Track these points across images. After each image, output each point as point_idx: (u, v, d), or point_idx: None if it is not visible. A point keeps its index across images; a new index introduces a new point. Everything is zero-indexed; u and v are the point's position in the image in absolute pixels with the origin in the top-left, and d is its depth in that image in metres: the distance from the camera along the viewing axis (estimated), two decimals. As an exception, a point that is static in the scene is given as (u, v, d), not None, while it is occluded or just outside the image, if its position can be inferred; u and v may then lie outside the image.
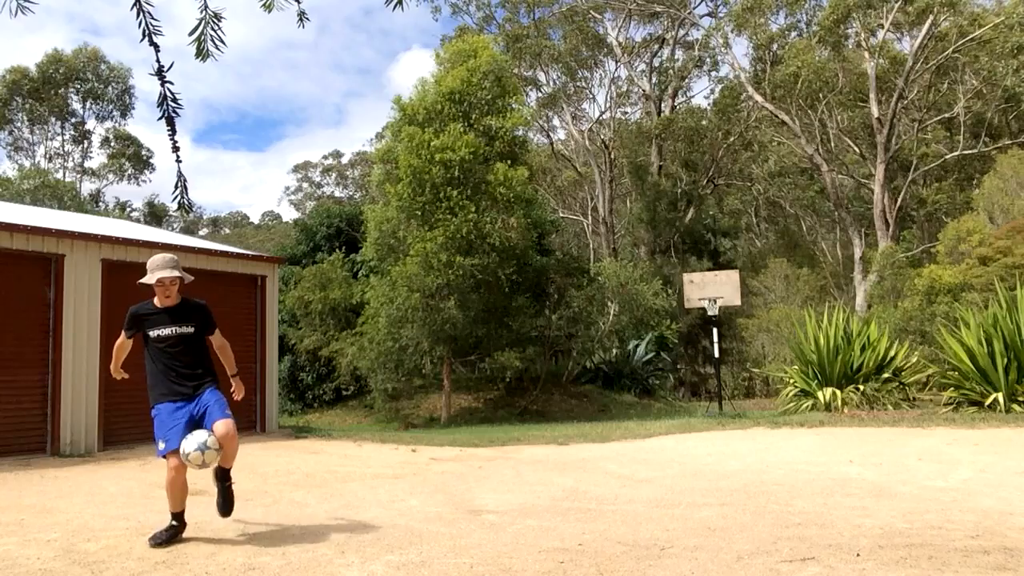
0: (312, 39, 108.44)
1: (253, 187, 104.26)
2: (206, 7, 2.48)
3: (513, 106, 16.69)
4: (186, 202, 2.61)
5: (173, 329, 4.52)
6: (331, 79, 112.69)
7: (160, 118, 2.44)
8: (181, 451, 4.26)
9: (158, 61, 2.39)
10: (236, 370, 4.95)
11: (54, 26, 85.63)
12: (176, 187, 2.59)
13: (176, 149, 2.52)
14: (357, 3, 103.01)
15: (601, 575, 3.65)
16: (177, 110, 2.44)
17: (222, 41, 2.50)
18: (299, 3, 2.72)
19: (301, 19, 2.78)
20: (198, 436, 4.31)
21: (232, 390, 4.85)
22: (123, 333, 4.65)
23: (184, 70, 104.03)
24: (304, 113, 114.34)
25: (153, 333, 4.51)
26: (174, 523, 4.47)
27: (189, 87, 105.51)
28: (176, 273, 4.48)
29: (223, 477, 4.58)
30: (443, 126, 15.61)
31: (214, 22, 2.49)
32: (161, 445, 4.39)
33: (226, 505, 4.57)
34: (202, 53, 2.49)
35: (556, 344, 17.59)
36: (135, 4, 2.34)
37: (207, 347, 4.72)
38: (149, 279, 4.49)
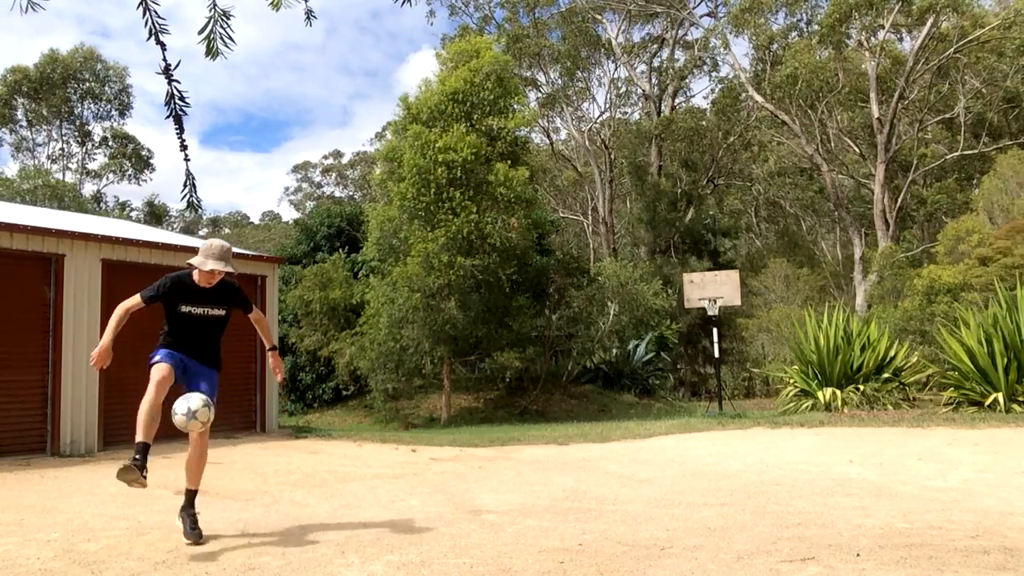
0: (319, 42, 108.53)
1: (258, 187, 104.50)
2: (215, 5, 2.48)
3: (515, 107, 16.69)
4: (195, 200, 2.61)
5: (206, 310, 4.58)
6: (338, 81, 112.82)
7: (168, 116, 2.44)
8: (173, 411, 4.22)
9: (165, 59, 2.39)
10: (275, 343, 4.96)
11: (64, 28, 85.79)
12: (185, 185, 2.58)
13: (184, 147, 2.52)
14: (365, 7, 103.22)
15: (601, 575, 3.65)
16: (184, 108, 2.44)
17: (231, 39, 2.50)
18: (306, 2, 2.72)
19: (308, 17, 2.79)
20: (192, 399, 4.25)
21: (272, 368, 4.86)
22: (143, 296, 4.43)
23: (192, 72, 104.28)
24: (310, 115, 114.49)
25: (185, 308, 4.51)
26: (137, 457, 4.13)
27: (196, 89, 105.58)
28: (230, 268, 4.50)
29: (189, 503, 4.49)
30: (447, 126, 15.62)
31: (223, 20, 2.49)
32: (156, 358, 4.40)
33: (195, 531, 4.41)
34: (212, 52, 2.49)
35: (556, 344, 17.59)
36: (141, 2, 2.34)
37: (222, 334, 4.76)
38: (203, 265, 4.44)
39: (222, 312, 4.65)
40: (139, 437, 4.22)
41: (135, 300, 4.47)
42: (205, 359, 4.63)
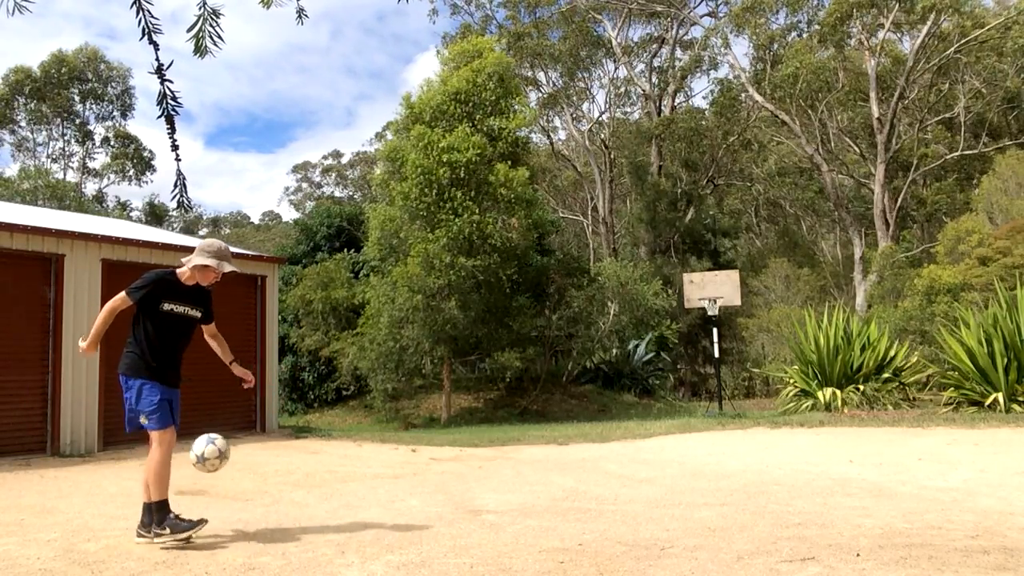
0: (324, 43, 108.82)
1: (261, 187, 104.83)
2: (204, 4, 2.47)
3: (516, 107, 16.69)
4: (185, 200, 2.61)
5: (186, 309, 4.56)
6: (342, 82, 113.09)
7: (160, 116, 2.44)
8: (194, 452, 4.40)
9: (157, 59, 2.39)
10: (233, 357, 4.96)
11: (71, 31, 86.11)
12: (175, 185, 2.58)
13: (175, 148, 2.51)
14: (370, 9, 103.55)
15: (601, 575, 3.65)
16: (176, 108, 2.43)
17: (220, 38, 2.49)
18: (298, 0, 2.71)
19: (300, 16, 2.78)
20: (206, 439, 4.45)
21: (244, 383, 4.92)
22: (128, 295, 4.38)
23: (196, 74, 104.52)
24: (314, 116, 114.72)
25: (167, 307, 4.47)
26: (172, 515, 4.29)
27: (201, 91, 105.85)
28: (236, 269, 4.60)
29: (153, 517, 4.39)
30: (449, 126, 15.61)
31: (212, 19, 2.48)
32: (145, 420, 4.33)
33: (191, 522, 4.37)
34: (200, 50, 2.49)
35: (556, 344, 17.58)
36: (135, 2, 2.33)
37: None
38: (221, 267, 4.50)
39: (199, 313, 4.66)
40: (158, 496, 4.34)
41: (121, 298, 4.40)
42: (178, 378, 4.59)
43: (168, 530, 4.27)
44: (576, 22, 30.92)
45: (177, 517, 4.33)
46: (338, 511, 5.46)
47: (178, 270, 4.54)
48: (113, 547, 4.35)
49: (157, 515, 4.32)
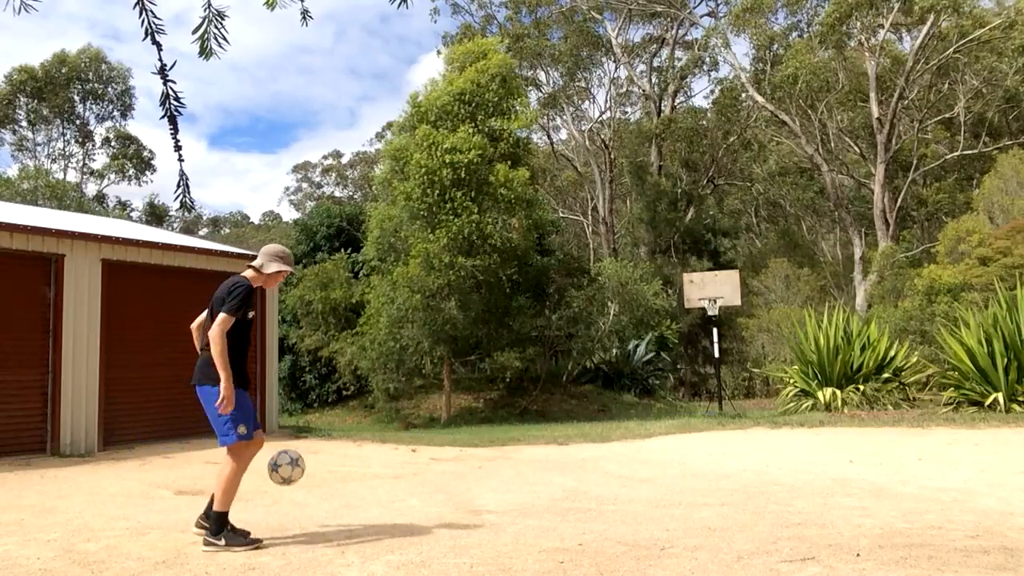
0: (328, 45, 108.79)
1: (263, 187, 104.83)
2: (209, 5, 2.47)
3: (517, 108, 16.69)
4: (188, 200, 2.61)
5: (254, 312, 4.58)
6: (345, 84, 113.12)
7: (163, 117, 2.43)
8: (274, 463, 4.42)
9: (160, 59, 2.39)
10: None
11: (76, 32, 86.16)
12: (178, 185, 2.58)
13: (178, 148, 2.51)
14: (373, 10, 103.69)
15: (601, 575, 3.65)
16: (179, 109, 2.43)
17: (225, 39, 2.49)
18: (302, 1, 2.71)
19: (304, 17, 2.78)
20: (286, 453, 4.48)
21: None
22: (232, 311, 4.23)
23: (200, 75, 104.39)
24: (317, 117, 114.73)
25: (251, 314, 4.49)
26: (245, 534, 4.30)
27: (205, 92, 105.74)
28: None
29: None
30: (453, 127, 15.62)
31: (217, 20, 2.48)
32: (242, 429, 4.28)
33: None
34: (205, 51, 2.48)
35: (556, 344, 17.59)
36: (138, 2, 2.33)
37: None
38: (288, 270, 4.62)
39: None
40: (225, 507, 4.32)
41: (227, 320, 4.22)
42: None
43: (223, 541, 4.26)
44: (576, 22, 30.93)
45: (232, 529, 4.32)
46: (338, 511, 5.46)
47: (245, 274, 4.51)
48: (113, 547, 4.35)
49: (215, 524, 4.30)
